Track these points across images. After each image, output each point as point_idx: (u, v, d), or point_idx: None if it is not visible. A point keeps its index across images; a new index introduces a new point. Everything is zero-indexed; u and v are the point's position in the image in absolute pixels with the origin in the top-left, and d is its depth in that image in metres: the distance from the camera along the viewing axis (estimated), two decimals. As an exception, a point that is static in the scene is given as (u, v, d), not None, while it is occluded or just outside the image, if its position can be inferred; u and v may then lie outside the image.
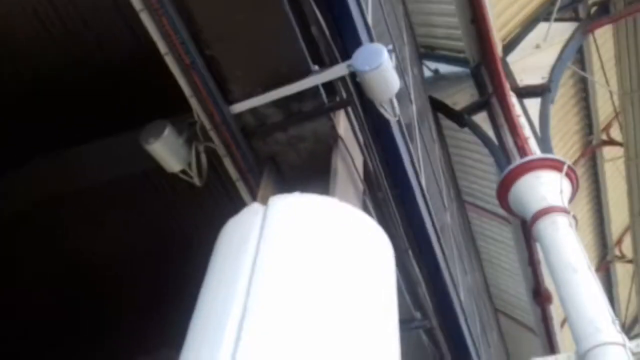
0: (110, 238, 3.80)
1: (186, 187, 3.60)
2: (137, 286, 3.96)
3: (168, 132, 2.37)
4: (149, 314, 3.98)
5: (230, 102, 2.35)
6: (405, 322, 3.60)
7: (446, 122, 8.82)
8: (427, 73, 9.04)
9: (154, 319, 3.96)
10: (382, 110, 2.63)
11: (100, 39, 3.07)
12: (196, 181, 2.48)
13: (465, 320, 4.76)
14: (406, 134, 3.72)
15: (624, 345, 5.17)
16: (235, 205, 2.56)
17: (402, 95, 4.89)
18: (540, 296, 9.26)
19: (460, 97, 8.07)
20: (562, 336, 9.59)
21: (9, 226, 3.63)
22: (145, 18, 2.02)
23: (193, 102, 2.27)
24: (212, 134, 2.37)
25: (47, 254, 3.83)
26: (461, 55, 8.30)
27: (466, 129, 8.07)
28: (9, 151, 3.28)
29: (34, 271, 3.90)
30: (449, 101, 8.21)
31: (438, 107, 8.46)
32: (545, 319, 9.40)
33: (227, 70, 2.28)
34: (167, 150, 2.39)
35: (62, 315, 4.13)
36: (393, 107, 2.69)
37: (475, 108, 7.88)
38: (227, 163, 2.48)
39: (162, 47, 2.09)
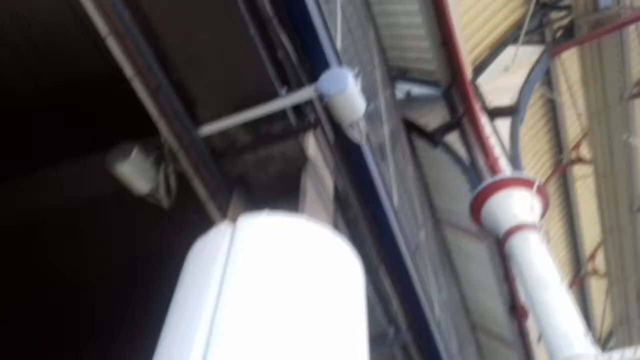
0: (79, 259, 3.76)
1: (157, 208, 3.61)
2: (108, 305, 3.91)
3: (135, 154, 2.38)
4: (121, 334, 3.93)
5: (199, 124, 2.39)
6: (379, 339, 3.62)
7: (420, 143, 8.96)
8: (400, 95, 9.21)
9: (122, 337, 3.90)
10: (349, 133, 2.69)
11: (66, 59, 3.08)
12: (164, 203, 2.49)
13: (441, 335, 4.80)
14: (377, 154, 3.80)
15: (595, 358, 5.26)
16: (207, 225, 2.58)
17: (373, 117, 4.98)
18: (516, 311, 9.35)
19: (433, 118, 8.23)
20: (539, 351, 9.68)
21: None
22: (112, 43, 2.06)
23: (161, 124, 2.30)
24: (180, 155, 2.40)
25: (17, 272, 3.77)
26: (432, 77, 8.49)
27: (439, 149, 8.22)
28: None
29: (8, 286, 3.83)
30: (422, 122, 8.37)
31: (411, 127, 8.60)
32: (522, 334, 9.49)
33: (195, 93, 2.32)
34: (134, 172, 2.40)
35: (34, 330, 4.05)
36: (360, 130, 2.76)
37: (447, 128, 8.04)
38: (197, 184, 2.51)
39: (128, 71, 2.13)
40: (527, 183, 6.96)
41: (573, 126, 10.92)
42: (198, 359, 1.62)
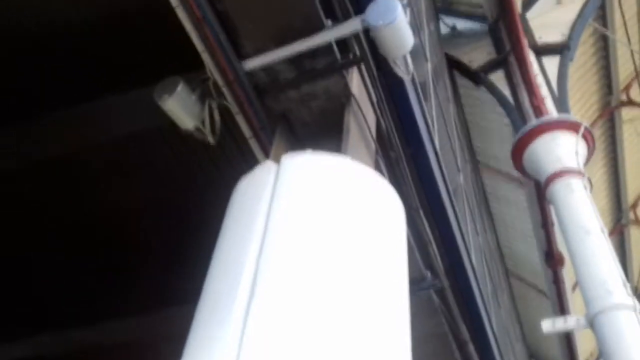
0: (124, 193, 3.84)
1: (200, 145, 3.61)
2: (156, 239, 4.02)
3: (181, 88, 2.35)
4: (170, 268, 4.05)
5: (243, 58, 2.32)
6: (416, 282, 3.63)
7: (462, 81, 8.66)
8: (444, 29, 8.83)
9: (171, 273, 4.03)
10: (395, 68, 2.58)
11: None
12: (209, 139, 2.47)
13: (477, 281, 4.79)
14: (420, 92, 3.66)
15: (634, 308, 5.18)
16: (248, 163, 2.56)
17: (417, 52, 4.79)
18: (552, 259, 9.27)
19: (478, 55, 7.89)
20: (573, 299, 9.65)
21: (27, 174, 3.68)
22: (155, -30, 1.98)
23: (205, 57, 2.23)
24: (225, 90, 2.35)
25: (62, 206, 3.88)
26: (479, 10, 8.07)
27: (482, 88, 7.93)
28: (23, 100, 3.29)
29: (57, 219, 3.97)
30: (465, 59, 8.04)
31: (454, 65, 8.29)
32: (557, 282, 9.45)
33: (239, 24, 2.23)
34: (180, 107, 2.37)
35: (84, 265, 4.22)
36: (407, 65, 2.64)
37: (492, 66, 7.71)
38: (240, 120, 2.46)
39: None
40: (574, 126, 6.68)
41: (625, 66, 10.34)
42: (244, 299, 1.63)
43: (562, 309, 9.45)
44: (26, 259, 4.16)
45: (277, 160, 2.07)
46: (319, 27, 2.32)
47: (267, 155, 2.49)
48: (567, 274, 9.22)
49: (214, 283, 1.82)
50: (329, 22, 2.38)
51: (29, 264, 4.18)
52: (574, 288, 9.47)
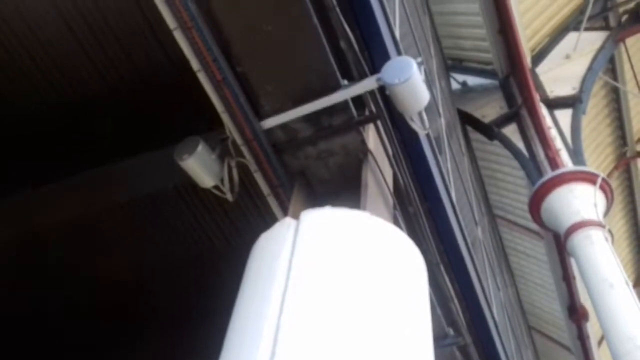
0: (142, 252, 3.85)
1: (216, 203, 3.65)
2: (169, 301, 3.99)
3: (201, 148, 2.39)
4: (181, 330, 4.00)
5: (261, 118, 2.37)
6: (439, 339, 3.54)
7: (475, 135, 8.72)
8: (455, 85, 8.99)
9: (186, 334, 3.97)
10: (411, 124, 2.61)
11: (132, 58, 3.15)
12: (229, 196, 2.49)
13: (500, 337, 4.66)
14: (435, 147, 3.69)
15: (665, 364, 4.98)
16: (265, 221, 2.57)
17: (430, 108, 4.86)
18: (575, 313, 9.01)
19: (489, 110, 7.99)
20: (600, 354, 9.29)
21: (43, 237, 3.72)
22: (179, 36, 2.06)
23: (225, 117, 2.29)
24: (244, 149, 2.39)
25: (80, 267, 3.90)
26: (489, 67, 8.23)
27: (496, 142, 7.97)
28: (46, 163, 3.37)
29: (67, 283, 3.97)
30: (477, 114, 8.14)
31: (467, 119, 8.38)
32: (582, 337, 9.14)
33: (258, 85, 2.30)
34: (200, 165, 2.41)
35: (94, 326, 4.19)
36: (422, 120, 2.68)
37: (504, 120, 7.79)
38: (259, 178, 2.49)
39: (194, 64, 2.12)
40: (590, 177, 6.66)
41: (638, 116, 10.37)
42: (266, 355, 1.60)
43: (589, 366, 9.09)
44: (42, 318, 4.14)
45: (296, 216, 2.07)
46: (335, 87, 2.38)
47: (285, 212, 2.50)
48: (592, 328, 8.92)
49: (234, 342, 1.79)
50: (345, 82, 2.44)
51: (44, 323, 4.16)
52: (600, 343, 9.14)
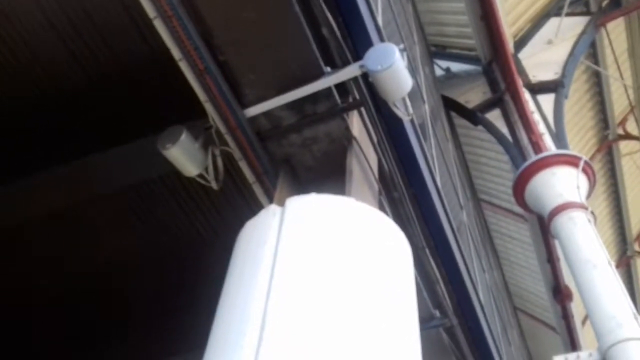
0: (127, 243, 3.84)
1: (202, 191, 3.65)
2: (154, 290, 4.00)
3: (184, 137, 2.39)
4: (168, 318, 4.01)
5: (245, 106, 2.37)
6: (425, 321, 3.59)
7: (459, 121, 8.78)
8: (439, 72, 9.01)
9: (173, 322, 3.99)
10: (395, 110, 2.63)
11: (113, 49, 3.12)
12: (213, 185, 2.50)
13: (486, 318, 4.73)
14: (420, 132, 3.72)
15: (647, 341, 5.09)
16: (252, 208, 2.58)
17: (414, 95, 4.89)
18: (560, 293, 9.16)
19: (473, 95, 8.03)
20: (584, 333, 9.48)
21: (27, 230, 3.70)
22: (159, 25, 2.05)
23: (208, 107, 2.29)
24: (228, 137, 2.39)
25: (65, 258, 3.88)
26: (472, 53, 8.26)
27: (480, 127, 8.02)
28: (28, 156, 3.35)
29: (53, 274, 3.96)
30: (461, 99, 8.18)
31: (451, 105, 8.42)
32: (566, 317, 9.30)
33: (240, 74, 2.30)
34: (184, 155, 2.41)
35: (84, 315, 4.18)
36: (406, 106, 2.70)
37: (488, 106, 7.83)
38: (243, 166, 2.50)
39: (176, 53, 2.12)
40: (573, 160, 6.73)
41: (619, 100, 10.50)
42: (253, 342, 1.62)
43: (573, 344, 9.27)
44: (25, 311, 4.13)
45: (281, 204, 2.08)
46: (318, 74, 2.38)
47: (271, 200, 2.51)
48: (577, 308, 9.09)
49: (221, 329, 1.81)
50: (328, 69, 2.44)
51: (28, 315, 4.14)
52: (584, 322, 9.32)
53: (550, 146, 6.99)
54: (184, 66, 2.14)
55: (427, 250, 3.63)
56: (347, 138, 2.62)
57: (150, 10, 2.02)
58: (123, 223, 3.77)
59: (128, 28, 2.99)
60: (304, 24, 2.24)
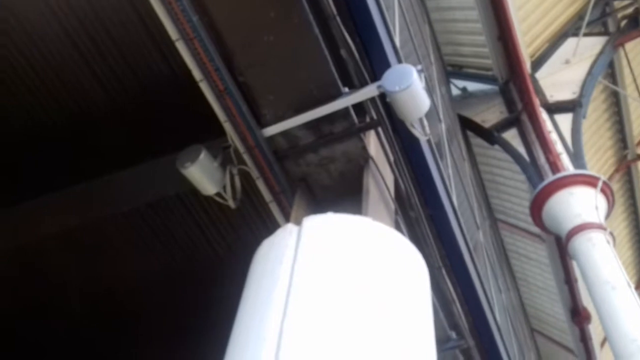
0: (144, 261, 3.87)
1: (218, 210, 3.67)
2: (172, 309, 4.01)
3: (203, 156, 2.42)
4: (184, 337, 4.01)
5: (263, 126, 2.40)
6: (442, 342, 3.55)
7: (476, 140, 8.75)
8: (455, 91, 9.02)
9: (189, 341, 3.99)
10: (412, 130, 2.64)
11: (134, 69, 3.19)
12: (231, 203, 2.52)
13: (502, 340, 4.66)
14: (436, 152, 3.72)
15: (669, 366, 4.98)
16: (268, 227, 2.59)
17: (430, 114, 4.89)
18: (578, 315, 9.00)
19: (490, 115, 8.02)
20: (602, 356, 9.28)
21: (43, 247, 3.75)
22: (181, 47, 2.09)
23: (227, 126, 2.32)
24: (246, 157, 2.42)
25: (83, 276, 3.92)
26: (489, 72, 8.27)
27: (496, 147, 8.00)
28: (47, 174, 3.40)
29: (70, 291, 3.99)
30: (478, 119, 8.17)
31: (467, 125, 8.41)
32: (584, 339, 9.12)
33: (259, 95, 2.33)
34: (203, 173, 2.44)
35: (94, 336, 4.20)
36: (423, 126, 2.71)
37: (505, 125, 7.82)
38: (261, 185, 2.52)
39: (197, 74, 2.16)
40: (591, 180, 6.67)
41: (638, 120, 10.39)
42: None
43: (591, 368, 9.08)
44: (39, 329, 4.16)
45: (298, 223, 2.09)
46: (336, 94, 2.41)
47: (287, 218, 2.52)
48: (595, 330, 8.91)
49: (237, 348, 1.81)
50: (345, 89, 2.47)
51: (41, 334, 4.17)
52: (602, 344, 9.12)
53: (568, 166, 6.93)
54: (204, 87, 2.18)
55: (444, 270, 3.60)
56: (364, 158, 2.63)
57: (173, 33, 2.07)
58: (140, 241, 3.80)
59: (149, 49, 3.06)
60: (322, 46, 2.27)
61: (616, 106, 9.86)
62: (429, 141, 3.29)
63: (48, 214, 3.62)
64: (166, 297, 4.02)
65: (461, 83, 8.95)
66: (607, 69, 9.04)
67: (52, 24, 3.00)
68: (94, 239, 3.79)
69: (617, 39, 8.73)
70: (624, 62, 9.36)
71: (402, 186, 3.02)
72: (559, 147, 7.08)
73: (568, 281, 8.73)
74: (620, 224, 11.13)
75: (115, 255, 3.90)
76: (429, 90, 5.13)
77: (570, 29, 8.41)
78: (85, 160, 3.38)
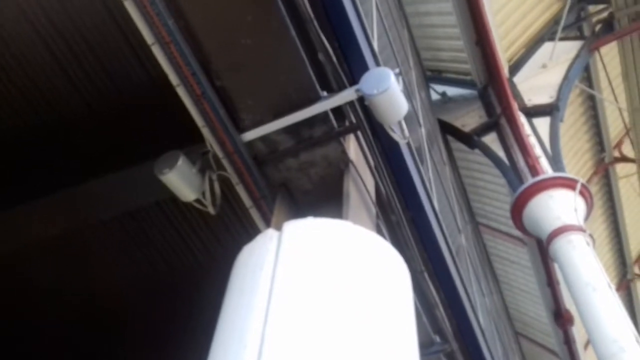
0: (124, 268, 3.82)
1: (199, 217, 3.64)
2: (150, 318, 3.95)
3: (182, 162, 2.39)
4: (165, 344, 3.96)
5: (242, 130, 2.38)
6: (425, 346, 3.54)
7: (456, 145, 8.82)
8: (435, 96, 9.10)
9: (170, 348, 3.93)
10: (391, 133, 2.64)
11: (110, 74, 3.15)
12: (210, 209, 2.49)
13: (486, 343, 4.68)
14: (416, 156, 3.73)
15: (649, 365, 5.04)
16: (249, 233, 2.57)
17: (410, 119, 4.92)
18: (561, 318, 9.08)
19: (469, 119, 8.09)
20: (586, 358, 9.37)
21: (24, 255, 3.68)
22: (157, 51, 2.07)
23: (205, 131, 2.30)
24: (225, 162, 2.39)
25: (60, 286, 3.85)
26: (468, 77, 8.35)
27: (476, 151, 8.07)
28: (25, 182, 3.34)
29: (50, 299, 3.92)
30: (458, 123, 8.24)
31: (447, 129, 8.48)
32: (568, 341, 9.21)
33: (238, 99, 2.31)
34: (181, 180, 2.41)
35: (72, 348, 4.13)
36: (402, 130, 2.71)
37: (484, 129, 7.89)
38: (241, 190, 2.49)
39: (173, 79, 2.13)
40: (570, 183, 6.75)
41: (615, 123, 10.59)
42: (251, 367, 1.59)
43: (575, 370, 9.16)
44: (22, 335, 4.08)
45: (279, 228, 2.07)
46: (315, 98, 2.40)
47: (268, 224, 2.50)
48: (578, 332, 9.00)
49: (218, 355, 1.78)
50: (324, 93, 2.46)
51: (25, 339, 4.09)
52: (586, 346, 9.22)
53: (546, 169, 7.01)
54: (181, 91, 2.15)
55: (426, 274, 3.60)
56: (344, 162, 2.62)
57: (148, 37, 2.04)
58: (120, 249, 3.75)
59: (125, 54, 3.02)
60: (300, 49, 2.26)
61: (593, 109, 10.03)
62: (408, 144, 3.30)
63: (26, 223, 3.56)
64: (147, 305, 3.97)
65: (441, 88, 9.03)
66: (583, 73, 9.21)
67: (26, 30, 2.95)
68: (75, 248, 3.73)
69: (592, 43, 8.89)
70: (600, 65, 9.53)
71: (383, 190, 3.02)
72: (537, 151, 7.17)
73: (550, 284, 8.81)
74: (600, 226, 11.29)
75: (95, 263, 3.84)
76: (408, 94, 5.16)
77: (547, 34, 8.55)
78: (62, 168, 3.32)
